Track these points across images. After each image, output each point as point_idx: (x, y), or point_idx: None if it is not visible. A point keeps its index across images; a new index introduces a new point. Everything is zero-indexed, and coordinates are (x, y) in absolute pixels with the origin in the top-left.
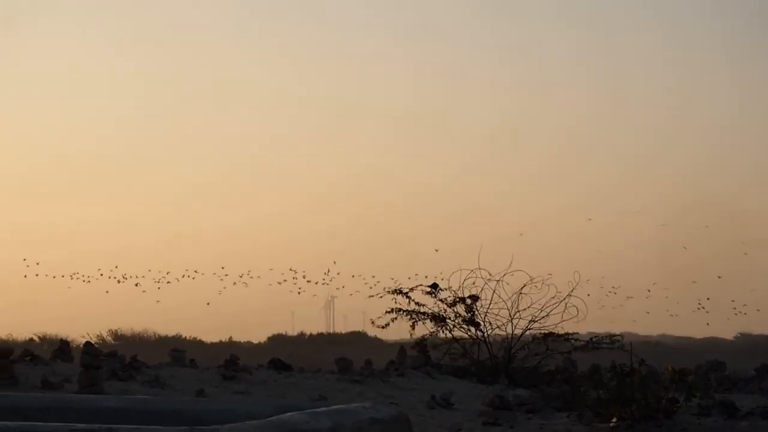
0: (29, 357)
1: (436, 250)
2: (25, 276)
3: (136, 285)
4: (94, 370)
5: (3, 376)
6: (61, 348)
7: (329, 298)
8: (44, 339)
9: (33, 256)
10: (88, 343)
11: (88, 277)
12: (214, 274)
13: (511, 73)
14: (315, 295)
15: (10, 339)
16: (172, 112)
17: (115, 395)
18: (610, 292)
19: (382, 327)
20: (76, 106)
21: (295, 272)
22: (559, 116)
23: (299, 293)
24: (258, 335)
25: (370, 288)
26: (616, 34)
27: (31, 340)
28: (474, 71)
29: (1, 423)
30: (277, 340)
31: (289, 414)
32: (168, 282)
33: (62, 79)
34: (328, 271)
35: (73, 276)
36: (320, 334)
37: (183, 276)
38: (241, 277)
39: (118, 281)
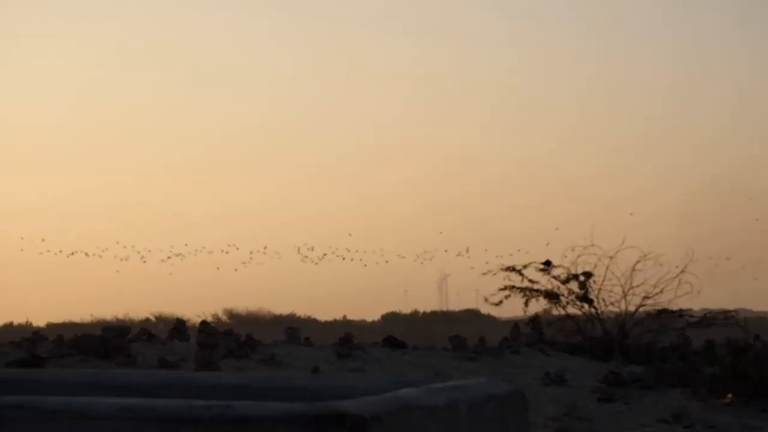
0: (146, 336)
1: (441, 233)
2: (143, 257)
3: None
4: (210, 349)
5: (120, 356)
6: (178, 327)
7: (442, 276)
8: (160, 318)
9: (163, 240)
10: (204, 322)
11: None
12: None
13: (604, 49)
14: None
15: (127, 319)
16: (303, 95)
17: (232, 372)
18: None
19: (496, 304)
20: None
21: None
22: (649, 88)
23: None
24: (372, 313)
25: (487, 261)
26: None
27: (148, 319)
28: (569, 48)
29: (122, 400)
30: (391, 318)
31: (405, 389)
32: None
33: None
34: (465, 252)
35: (220, 253)
36: (433, 312)
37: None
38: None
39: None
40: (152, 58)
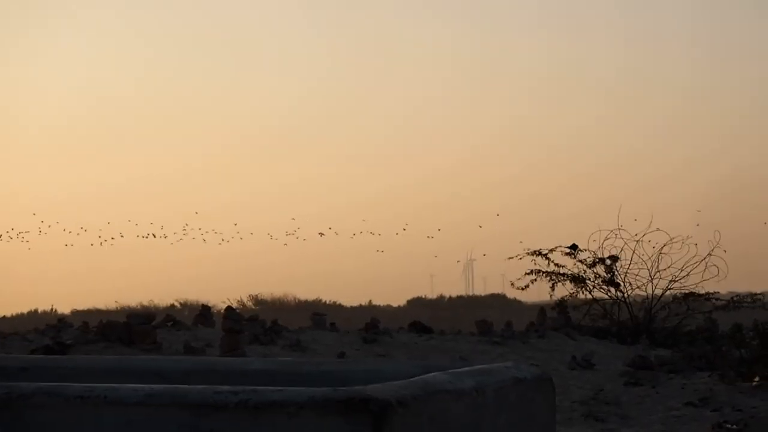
0: (171, 323)
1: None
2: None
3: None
4: (235, 335)
5: (146, 342)
6: (203, 313)
7: (468, 261)
8: (185, 305)
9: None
10: (229, 308)
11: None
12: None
13: (631, 31)
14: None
15: (152, 305)
16: (336, 80)
17: (258, 358)
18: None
19: (522, 288)
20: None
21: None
22: (675, 71)
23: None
24: (397, 298)
25: (520, 241)
26: None
27: (173, 306)
28: (597, 31)
29: (148, 386)
30: (417, 303)
31: (432, 374)
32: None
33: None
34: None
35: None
36: (459, 297)
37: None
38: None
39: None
40: (185, 44)
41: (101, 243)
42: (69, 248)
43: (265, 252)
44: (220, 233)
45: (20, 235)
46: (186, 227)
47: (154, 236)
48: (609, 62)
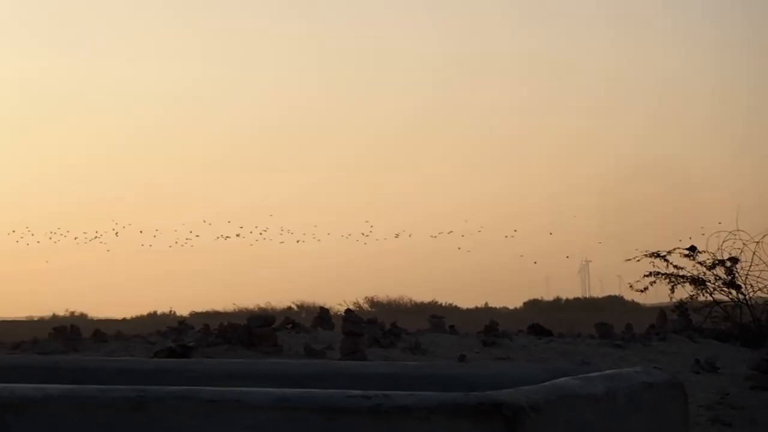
0: (290, 325)
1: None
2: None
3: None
4: (355, 337)
5: (266, 344)
6: (321, 315)
7: (584, 263)
8: (302, 307)
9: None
10: (349, 310)
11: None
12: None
13: (621, 33)
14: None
15: (270, 308)
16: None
17: (381, 361)
18: None
19: (641, 291)
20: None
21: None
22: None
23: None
24: (513, 301)
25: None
26: None
27: (290, 308)
28: (583, 29)
29: (279, 390)
30: (533, 305)
31: (563, 379)
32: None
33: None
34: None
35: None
36: (576, 299)
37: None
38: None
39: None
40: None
41: (181, 244)
42: (182, 250)
43: (378, 254)
44: (350, 235)
45: (97, 238)
46: (261, 228)
47: (277, 237)
48: (610, 51)
